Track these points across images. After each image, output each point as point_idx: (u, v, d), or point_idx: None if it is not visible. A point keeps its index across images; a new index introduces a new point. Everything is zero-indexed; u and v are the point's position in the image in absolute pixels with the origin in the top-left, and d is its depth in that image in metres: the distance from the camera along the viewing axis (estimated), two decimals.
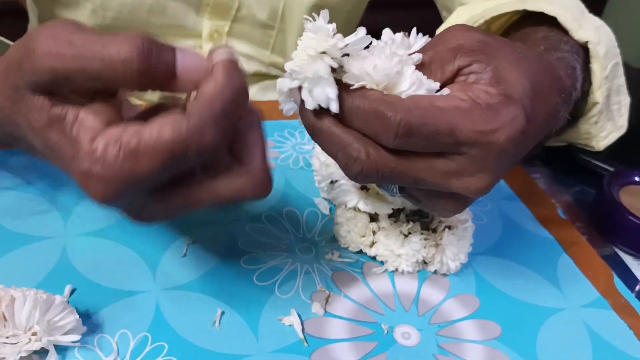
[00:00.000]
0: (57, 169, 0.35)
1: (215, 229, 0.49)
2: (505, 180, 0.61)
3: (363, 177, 0.37)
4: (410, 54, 0.38)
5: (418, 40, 0.39)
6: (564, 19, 0.55)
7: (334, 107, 0.35)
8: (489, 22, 0.61)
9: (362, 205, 0.47)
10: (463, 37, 0.40)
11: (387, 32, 0.39)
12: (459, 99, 0.37)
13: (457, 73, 0.39)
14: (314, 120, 0.37)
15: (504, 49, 0.40)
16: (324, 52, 0.35)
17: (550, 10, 0.55)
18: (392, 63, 0.36)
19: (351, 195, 0.48)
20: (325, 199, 0.53)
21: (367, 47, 0.37)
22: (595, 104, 0.55)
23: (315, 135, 0.38)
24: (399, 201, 0.47)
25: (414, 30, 0.40)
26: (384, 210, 0.47)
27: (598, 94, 0.55)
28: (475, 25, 0.59)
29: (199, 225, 0.49)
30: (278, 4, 0.75)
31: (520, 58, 0.40)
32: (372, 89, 0.36)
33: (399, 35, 0.39)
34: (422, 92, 0.36)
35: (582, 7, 0.61)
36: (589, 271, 0.51)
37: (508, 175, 0.62)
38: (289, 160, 0.59)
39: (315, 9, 0.75)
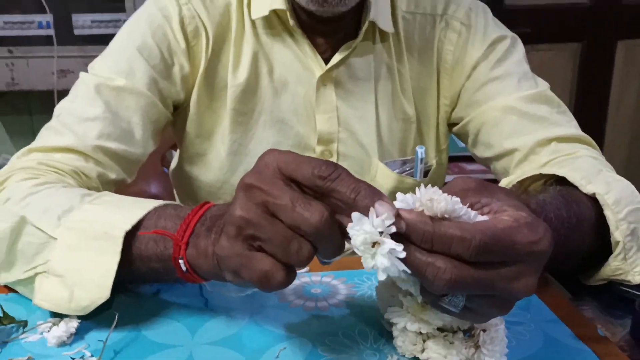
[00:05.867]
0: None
1: (302, 340, 0.63)
2: (551, 308, 0.70)
3: (452, 284, 0.46)
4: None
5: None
6: (572, 178, 0.69)
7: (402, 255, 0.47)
8: (524, 187, 0.75)
9: (409, 326, 0.59)
10: (465, 183, 0.53)
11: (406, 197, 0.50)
12: (509, 221, 0.48)
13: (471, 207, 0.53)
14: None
15: (495, 188, 0.54)
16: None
17: (560, 172, 0.70)
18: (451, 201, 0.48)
19: (402, 318, 0.60)
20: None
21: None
22: (617, 242, 0.66)
23: (406, 261, 0.47)
24: (440, 322, 0.57)
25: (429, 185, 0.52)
26: (428, 327, 0.58)
27: (617, 234, 0.66)
28: (508, 186, 0.74)
29: (290, 336, 0.63)
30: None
31: (502, 190, 0.54)
32: (444, 219, 0.47)
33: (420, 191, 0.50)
34: (469, 217, 0.48)
35: (599, 168, 0.75)
36: None
37: (555, 304, 0.71)
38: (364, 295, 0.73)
39: None
